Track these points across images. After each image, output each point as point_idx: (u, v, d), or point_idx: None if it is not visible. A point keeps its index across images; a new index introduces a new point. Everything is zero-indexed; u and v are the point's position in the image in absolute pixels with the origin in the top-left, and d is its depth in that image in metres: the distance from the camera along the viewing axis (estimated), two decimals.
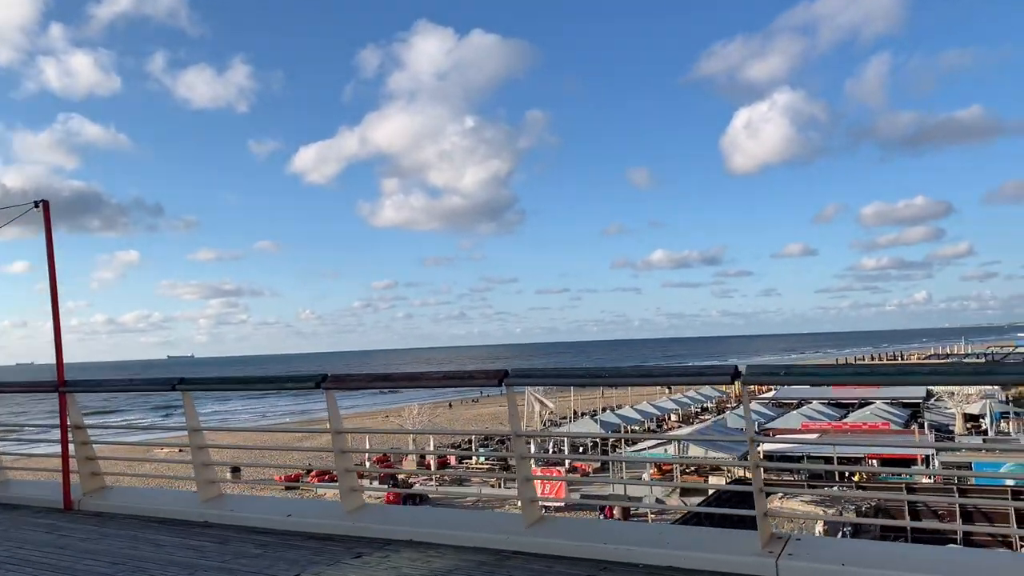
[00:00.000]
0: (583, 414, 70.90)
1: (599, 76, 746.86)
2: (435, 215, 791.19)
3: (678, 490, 44.64)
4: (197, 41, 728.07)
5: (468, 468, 52.26)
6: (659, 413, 70.41)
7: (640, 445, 48.04)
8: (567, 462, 48.86)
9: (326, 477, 49.62)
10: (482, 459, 52.98)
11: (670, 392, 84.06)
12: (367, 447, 54.32)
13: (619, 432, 60.86)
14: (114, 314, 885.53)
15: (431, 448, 55.92)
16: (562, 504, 40.94)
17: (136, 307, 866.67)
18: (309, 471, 51.92)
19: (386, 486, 45.66)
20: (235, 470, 47.56)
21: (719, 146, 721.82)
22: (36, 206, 7.03)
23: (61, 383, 7.74)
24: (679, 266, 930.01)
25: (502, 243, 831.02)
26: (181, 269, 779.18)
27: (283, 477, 51.63)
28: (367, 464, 52.32)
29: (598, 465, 52.03)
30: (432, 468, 52.41)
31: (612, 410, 65.34)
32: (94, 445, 8.10)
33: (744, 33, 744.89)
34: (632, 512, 39.91)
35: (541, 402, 65.20)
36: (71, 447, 7.70)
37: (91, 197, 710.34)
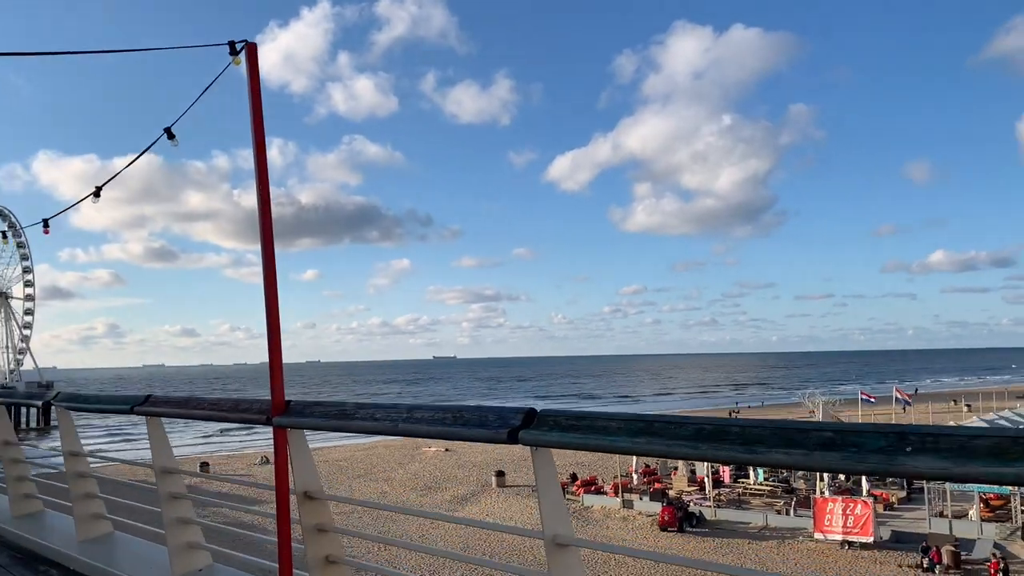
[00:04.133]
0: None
1: (873, 63, 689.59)
2: (687, 219, 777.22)
3: (1019, 533, 36.40)
4: (464, 59, 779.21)
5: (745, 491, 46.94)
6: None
7: None
8: (865, 490, 41.96)
9: (592, 488, 46.94)
10: (760, 479, 47.46)
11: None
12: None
13: None
14: (388, 317, 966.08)
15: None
16: (870, 541, 34.67)
17: (407, 311, 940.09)
18: (574, 478, 49.58)
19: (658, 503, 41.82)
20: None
21: (1015, 133, 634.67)
22: (235, 53, 3.62)
23: (278, 408, 3.73)
24: (963, 269, 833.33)
25: (759, 246, 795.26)
26: (446, 275, 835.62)
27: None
28: (634, 477, 48.94)
29: (904, 494, 44.58)
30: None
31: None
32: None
33: None
34: (964, 558, 32.73)
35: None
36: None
37: (371, 210, 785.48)
